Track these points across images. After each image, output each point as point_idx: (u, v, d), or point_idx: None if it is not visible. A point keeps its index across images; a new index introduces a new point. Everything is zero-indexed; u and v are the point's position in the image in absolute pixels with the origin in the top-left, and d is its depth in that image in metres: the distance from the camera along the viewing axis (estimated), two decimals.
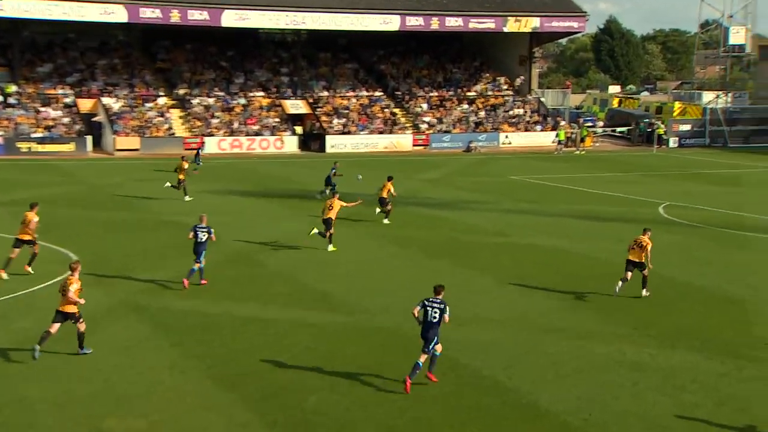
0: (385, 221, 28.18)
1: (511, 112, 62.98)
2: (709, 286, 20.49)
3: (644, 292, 19.46)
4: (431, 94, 63.19)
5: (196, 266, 19.68)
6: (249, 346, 15.72)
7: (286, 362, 14.87)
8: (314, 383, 13.98)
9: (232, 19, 53.56)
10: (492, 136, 59.52)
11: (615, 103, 77.74)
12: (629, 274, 19.31)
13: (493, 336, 16.55)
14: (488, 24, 59.72)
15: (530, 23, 60.31)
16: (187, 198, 32.69)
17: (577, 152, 56.40)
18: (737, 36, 69.13)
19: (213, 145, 53.08)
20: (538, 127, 61.64)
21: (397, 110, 60.62)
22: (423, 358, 13.93)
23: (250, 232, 26.10)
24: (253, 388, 13.74)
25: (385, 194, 28.56)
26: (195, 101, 56.60)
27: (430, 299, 14.00)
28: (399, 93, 62.58)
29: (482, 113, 62.29)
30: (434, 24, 58.24)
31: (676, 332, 16.77)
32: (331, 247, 23.90)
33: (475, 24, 59.44)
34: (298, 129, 57.08)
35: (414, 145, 56.95)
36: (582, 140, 59.29)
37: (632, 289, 20.07)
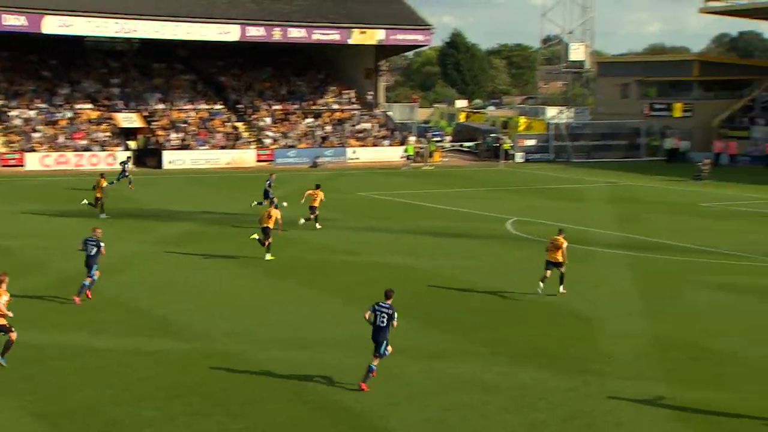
0: (318, 226, 30.56)
1: (358, 127, 63.65)
2: (556, 302, 21.30)
3: (561, 289, 21.65)
4: (275, 108, 62.97)
5: (88, 281, 20.08)
6: (77, 379, 15.03)
7: (118, 395, 14.30)
8: (150, 416, 13.51)
9: (54, 25, 51.43)
10: (339, 151, 59.92)
11: (462, 117, 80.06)
12: (548, 272, 21.53)
13: (342, 358, 16.56)
14: (333, 36, 60.23)
15: (375, 35, 61.29)
16: (102, 216, 32.75)
17: (426, 167, 57.65)
18: (577, 52, 72.82)
19: (35, 162, 50.68)
20: (386, 142, 62.59)
21: (239, 124, 60.00)
22: (376, 362, 15.03)
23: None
24: (80, 426, 13.12)
25: (317, 204, 30.97)
26: (13, 114, 53.89)
27: (380, 303, 15.10)
28: (241, 106, 61.99)
29: (329, 127, 62.62)
30: (276, 35, 58.14)
31: (526, 350, 17.34)
32: (268, 256, 25.33)
33: (319, 35, 59.80)
34: (132, 143, 55.41)
35: (258, 161, 56.49)
36: (430, 155, 60.67)
37: (486, 305, 20.61)
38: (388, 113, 67.08)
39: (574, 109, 76.55)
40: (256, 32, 57.60)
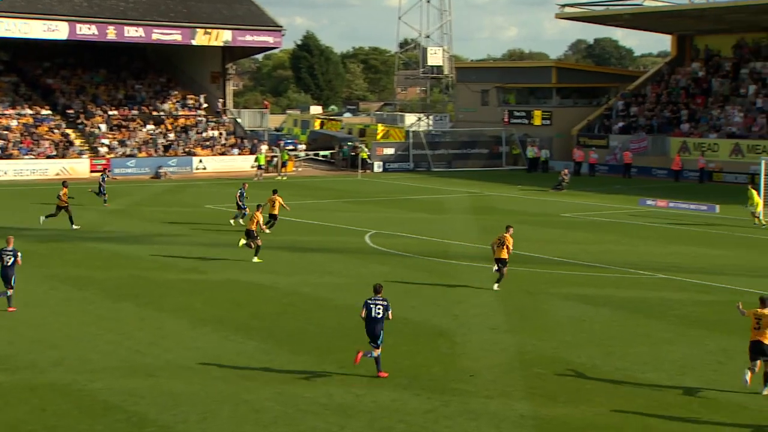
0: (267, 231, 31.46)
1: (204, 134, 62.71)
2: (418, 318, 21.58)
3: (495, 287, 24.48)
4: (111, 113, 61.20)
5: (10, 292, 20.75)
6: None
7: None
8: None
9: None
10: (184, 160, 58.86)
11: (317, 124, 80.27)
12: (496, 267, 24.40)
13: (187, 385, 16.18)
14: (174, 36, 59.15)
15: (221, 36, 60.63)
16: (74, 227, 33.55)
17: (279, 178, 57.39)
18: (435, 57, 74.35)
19: None
20: (236, 151, 61.93)
21: (70, 131, 57.97)
22: (377, 352, 16.87)
23: None
24: None
25: (276, 210, 32.58)
26: None
27: (372, 298, 16.96)
28: (71, 111, 59.91)
29: (172, 135, 61.39)
30: (111, 34, 56.57)
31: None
32: (256, 259, 27.83)
33: (159, 35, 58.61)
34: None
35: (92, 171, 54.69)
36: (283, 165, 60.45)
37: (344, 323, 20.63)
38: (237, 120, 66.44)
39: (434, 116, 78.15)
40: (87, 30, 55.81)
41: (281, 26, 63.54)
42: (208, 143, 61.78)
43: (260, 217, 28.59)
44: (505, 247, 24.18)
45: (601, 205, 45.76)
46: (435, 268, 28.27)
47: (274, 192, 33.57)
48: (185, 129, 62.57)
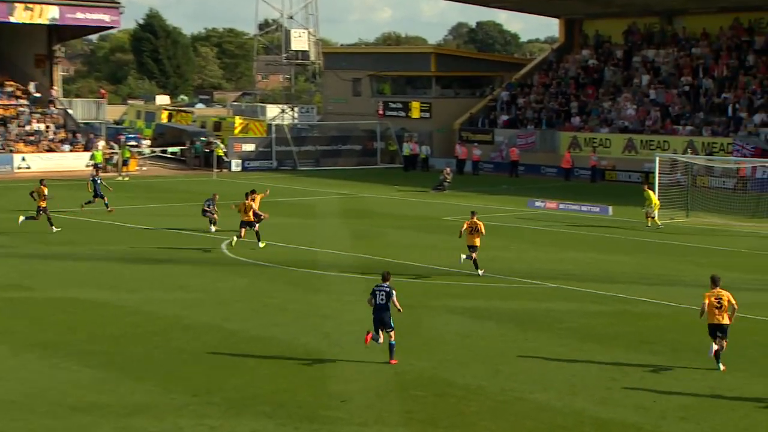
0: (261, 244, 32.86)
1: (28, 128, 60.87)
2: (284, 338, 21.56)
3: (481, 272, 28.20)
4: None
5: None
6: None
7: None
8: None
9: None
10: (4, 158, 56.97)
11: (164, 117, 79.12)
12: (474, 255, 28.14)
13: (8, 423, 15.70)
14: None
15: (46, 13, 59.01)
16: (54, 229, 35.21)
17: (120, 178, 56.27)
18: (299, 41, 74.29)
19: None
20: (66, 147, 60.39)
21: None
22: (393, 337, 19.53)
23: None
24: None
25: (256, 208, 33.48)
26: None
27: (378, 285, 19.71)
28: None
29: None
30: None
31: (244, 396, 17.33)
32: (261, 244, 32.49)
33: None
34: None
35: None
36: (125, 163, 59.28)
37: (196, 345, 20.38)
38: (68, 111, 64.77)
39: (299, 107, 78.09)
40: None
41: (119, 3, 62.27)
42: (32, 138, 60.01)
43: (253, 204, 32.96)
44: (479, 234, 28.00)
45: (487, 207, 46.66)
46: (302, 280, 28.25)
47: (249, 194, 34.22)
48: (4, 121, 60.55)
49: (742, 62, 61.50)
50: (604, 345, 21.26)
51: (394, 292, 19.62)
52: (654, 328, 22.91)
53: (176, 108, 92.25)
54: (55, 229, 35.49)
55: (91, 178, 41.94)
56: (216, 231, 36.15)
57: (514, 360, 20.02)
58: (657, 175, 42.84)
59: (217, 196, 37.51)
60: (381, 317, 19.50)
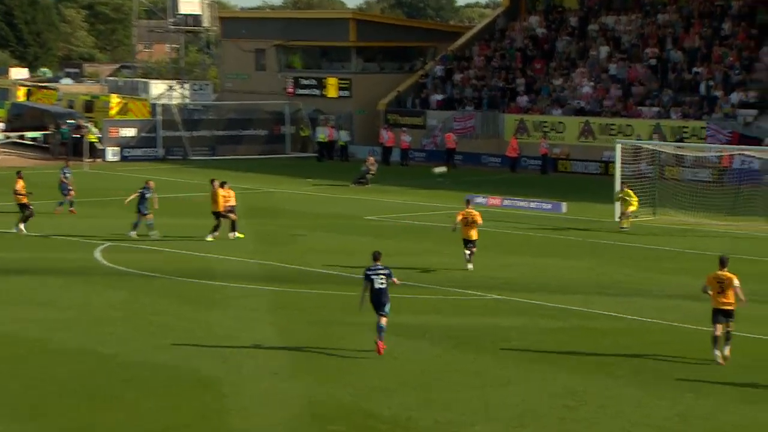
0: (236, 234, 35.99)
1: None
2: (173, 362, 21.46)
3: (470, 266, 30.63)
4: None
5: None
6: None
7: None
8: None
9: None
10: None
11: (21, 95, 78.06)
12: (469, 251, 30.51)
13: None
14: None
15: None
16: (19, 229, 36.52)
17: None
18: (189, 3, 73.82)
19: None
20: None
21: None
22: (384, 321, 21.64)
23: None
24: None
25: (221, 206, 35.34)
26: None
27: (371, 268, 21.75)
28: None
29: None
30: None
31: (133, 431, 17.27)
32: (237, 234, 35.73)
33: None
34: None
35: None
36: None
37: (66, 372, 20.19)
38: None
39: (191, 84, 77.62)
40: None
41: None
42: None
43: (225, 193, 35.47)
44: (475, 226, 29.88)
45: (418, 203, 46.84)
46: (194, 294, 28.14)
47: (223, 184, 36.24)
48: None
49: (717, 31, 62.70)
50: (557, 367, 21.53)
51: (392, 272, 21.95)
52: (614, 346, 23.25)
53: (37, 83, 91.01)
54: (20, 229, 36.76)
55: None
56: (142, 235, 36.01)
57: (450, 386, 20.17)
58: (618, 165, 43.45)
59: (152, 184, 37.34)
60: (380, 301, 21.77)
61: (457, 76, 69.54)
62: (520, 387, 20.16)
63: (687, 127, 57.09)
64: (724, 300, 21.66)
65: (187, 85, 76.40)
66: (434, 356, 22.38)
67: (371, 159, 54.94)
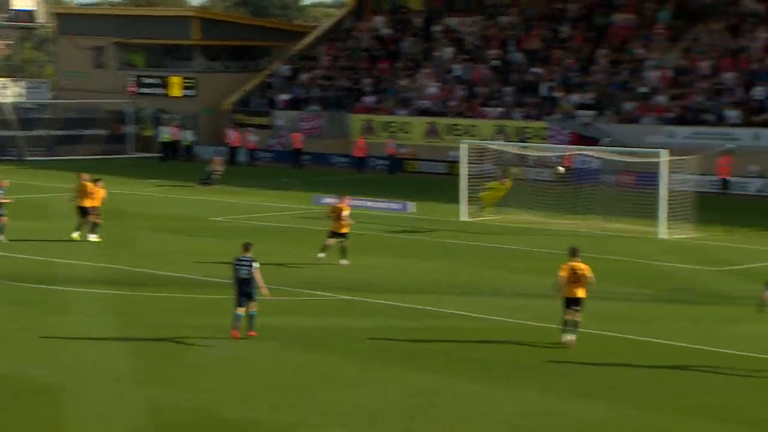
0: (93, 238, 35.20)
1: None
2: (6, 370, 20.88)
3: (343, 261, 31.77)
4: None
5: None
6: None
7: None
8: None
9: None
10: None
11: None
12: (332, 240, 32.10)
13: None
14: None
15: None
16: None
17: None
18: None
19: None
20: None
21: None
22: (255, 308, 23.14)
23: None
24: None
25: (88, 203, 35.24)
26: None
27: (239, 258, 23.21)
28: None
29: None
30: None
31: None
32: (95, 237, 35.10)
33: None
34: None
35: None
36: None
37: None
38: None
39: (26, 82, 75.77)
40: None
41: None
42: None
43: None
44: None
45: (265, 204, 46.63)
46: (31, 299, 27.54)
47: (96, 182, 36.31)
48: None
49: (556, 33, 63.89)
50: (407, 367, 21.57)
51: (255, 263, 23.02)
52: (464, 345, 23.44)
53: None
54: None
55: None
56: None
57: (300, 389, 20.01)
58: (464, 165, 43.86)
59: (7, 184, 36.52)
60: (247, 291, 23.04)
61: (304, 76, 69.45)
62: (372, 388, 20.11)
63: (529, 128, 58.05)
64: (576, 289, 22.77)
65: (22, 83, 74.50)
66: (285, 359, 22.20)
67: (217, 159, 54.43)
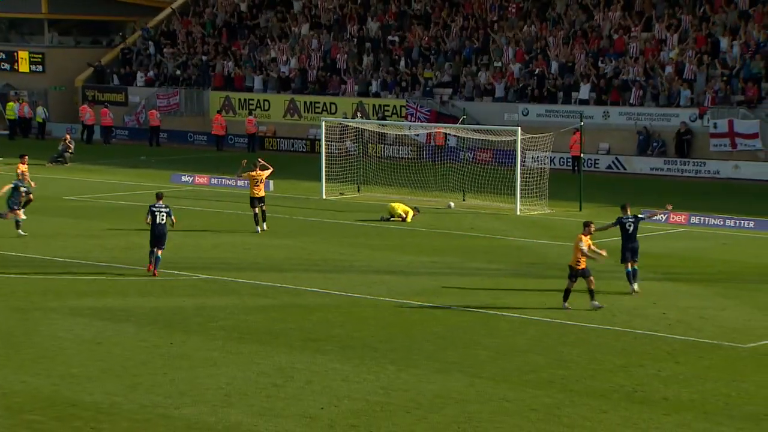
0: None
1: None
2: None
3: (261, 227, 34.58)
4: None
5: None
6: None
7: None
8: None
9: None
10: None
11: None
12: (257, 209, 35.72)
13: None
14: None
15: None
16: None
17: None
18: None
19: None
20: None
21: None
22: (160, 252, 27.57)
23: None
24: None
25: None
26: None
27: (156, 205, 27.70)
28: None
29: None
30: None
31: None
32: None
33: None
34: None
35: None
36: None
37: None
38: None
39: None
40: None
41: None
42: None
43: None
44: (262, 184, 34.21)
45: (121, 183, 46.18)
46: None
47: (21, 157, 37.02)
48: None
49: (412, 7, 64.03)
50: (265, 345, 21.78)
51: (172, 212, 27.93)
52: (322, 322, 23.73)
53: None
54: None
55: None
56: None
57: (157, 369, 20.07)
58: (323, 142, 44.07)
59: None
60: (159, 235, 27.48)
61: (160, 52, 68.62)
62: (228, 367, 20.27)
63: (388, 105, 58.41)
64: (578, 261, 24.74)
65: None
66: (140, 340, 22.19)
67: (68, 137, 53.67)
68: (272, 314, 24.44)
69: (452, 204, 40.37)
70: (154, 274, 27.58)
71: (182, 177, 46.44)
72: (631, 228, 26.48)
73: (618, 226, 26.74)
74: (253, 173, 34.88)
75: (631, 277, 26.51)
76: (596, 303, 24.66)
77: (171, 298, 25.89)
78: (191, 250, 31.58)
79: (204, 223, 36.50)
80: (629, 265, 26.44)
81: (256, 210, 34.59)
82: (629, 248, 26.40)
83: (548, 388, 19.19)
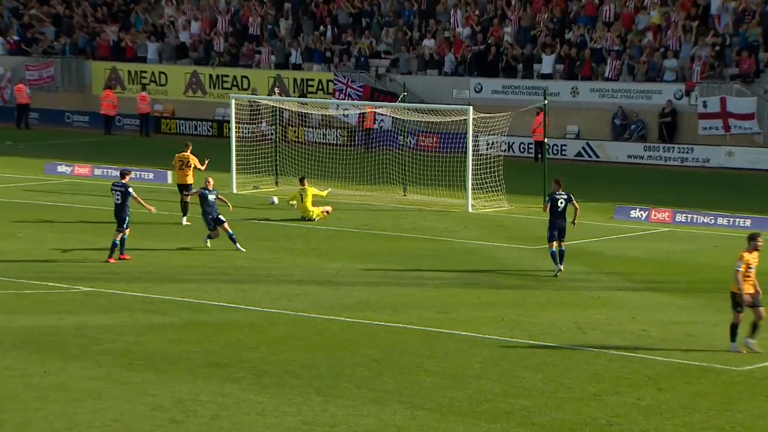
0: None
1: None
2: None
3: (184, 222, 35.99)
4: None
5: None
6: None
7: None
8: None
9: None
10: None
11: None
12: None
13: None
14: None
15: None
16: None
17: None
18: None
19: None
20: None
21: None
22: (119, 237, 30.28)
23: None
24: None
25: None
26: None
27: (115, 183, 30.87)
28: None
29: None
30: None
31: None
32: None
33: None
34: None
35: None
36: None
37: None
38: None
39: None
40: None
41: None
42: None
43: None
44: (192, 167, 36.55)
45: None
46: None
47: None
48: None
49: None
50: (162, 373, 21.61)
51: (131, 189, 30.28)
52: (232, 344, 23.59)
53: None
54: None
55: None
56: None
57: (27, 404, 19.86)
58: (233, 123, 43.79)
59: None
60: (120, 215, 30.17)
61: (29, 13, 67.98)
62: (116, 401, 20.08)
63: (312, 80, 58.20)
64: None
65: None
66: (5, 368, 21.95)
67: None
68: (170, 335, 24.29)
69: (275, 200, 39.64)
70: (108, 261, 30.48)
71: (58, 167, 46.06)
72: (563, 205, 29.04)
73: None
74: (185, 153, 36.57)
75: (557, 257, 28.78)
76: (752, 342, 23.17)
77: (44, 316, 25.66)
78: (69, 256, 31.32)
79: (85, 223, 36.22)
80: (554, 245, 28.82)
81: (187, 199, 35.73)
82: (557, 226, 28.95)
83: (506, 421, 19.23)
